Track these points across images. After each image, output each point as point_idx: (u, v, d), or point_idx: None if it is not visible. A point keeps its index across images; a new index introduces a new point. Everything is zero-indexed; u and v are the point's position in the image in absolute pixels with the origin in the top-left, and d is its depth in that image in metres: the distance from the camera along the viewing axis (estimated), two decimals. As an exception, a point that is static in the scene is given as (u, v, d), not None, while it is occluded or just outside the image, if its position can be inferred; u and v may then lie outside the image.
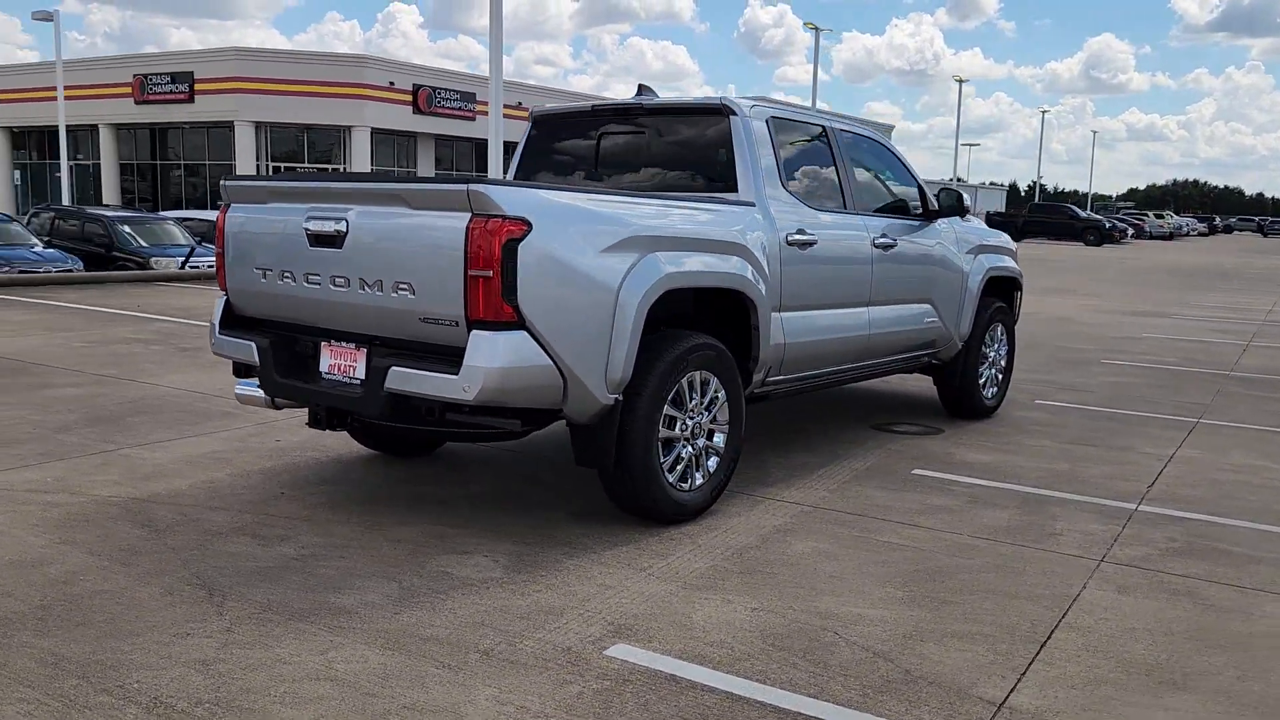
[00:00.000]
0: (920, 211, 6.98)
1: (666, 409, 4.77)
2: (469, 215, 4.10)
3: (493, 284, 4.08)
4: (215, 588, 3.99)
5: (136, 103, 43.13)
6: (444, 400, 4.22)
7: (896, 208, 6.87)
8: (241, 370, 5.14)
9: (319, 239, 4.57)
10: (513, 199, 4.14)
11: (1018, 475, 6.09)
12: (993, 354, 7.78)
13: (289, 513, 4.95)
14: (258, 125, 41.50)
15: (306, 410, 4.93)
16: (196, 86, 41.50)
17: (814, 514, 5.21)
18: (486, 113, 45.51)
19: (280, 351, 4.88)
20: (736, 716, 3.12)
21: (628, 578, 4.24)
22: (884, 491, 5.66)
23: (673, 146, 5.85)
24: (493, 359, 4.10)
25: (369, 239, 4.42)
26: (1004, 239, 8.00)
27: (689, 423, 4.92)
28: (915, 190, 7.01)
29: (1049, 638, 3.79)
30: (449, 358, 4.18)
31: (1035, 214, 52.72)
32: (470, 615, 3.80)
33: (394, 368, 4.31)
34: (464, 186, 4.11)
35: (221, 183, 5.17)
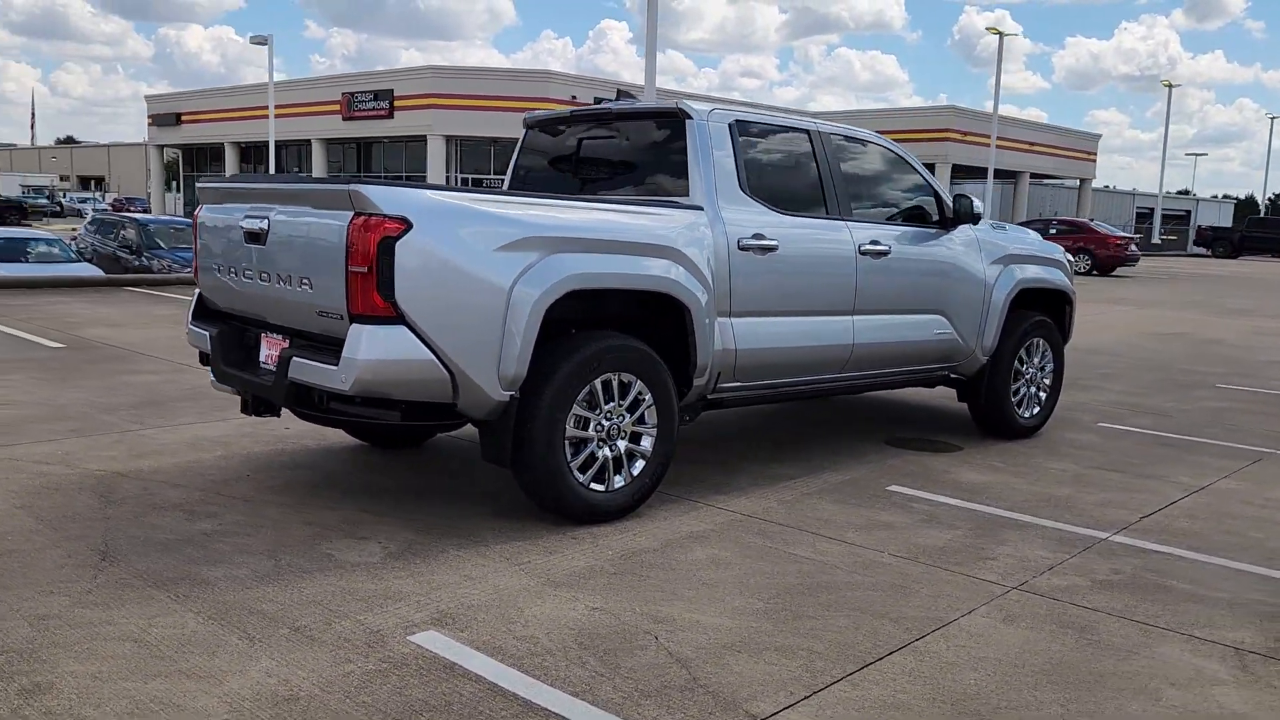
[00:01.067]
0: (937, 219, 6.69)
1: (577, 409, 4.80)
2: (350, 214, 4.30)
3: (369, 280, 4.25)
4: (113, 554, 4.33)
5: (344, 119, 46.18)
6: (328, 390, 4.43)
7: (905, 215, 6.62)
8: (204, 359, 5.52)
9: (250, 236, 4.88)
10: (390, 198, 4.30)
11: (1001, 498, 5.75)
12: (1030, 371, 7.34)
13: (236, 493, 5.28)
14: (449, 139, 43.66)
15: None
16: (396, 103, 44.07)
17: (741, 523, 5.11)
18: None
19: (230, 342, 5.23)
20: (480, 707, 3.16)
21: (496, 570, 4.31)
22: (838, 506, 5.47)
23: (639, 151, 5.87)
24: (368, 352, 4.28)
25: (282, 236, 4.70)
26: (1049, 250, 7.55)
27: (605, 424, 4.93)
28: (931, 198, 6.72)
29: (879, 660, 3.61)
30: (337, 350, 4.38)
31: (1253, 229, 48.66)
32: (313, 595, 3.98)
33: (294, 358, 4.56)
34: (346, 187, 4.31)
35: (196, 185, 5.59)
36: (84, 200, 64.38)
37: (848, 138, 6.39)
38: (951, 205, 6.69)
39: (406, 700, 3.19)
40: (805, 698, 3.31)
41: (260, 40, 37.25)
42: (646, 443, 5.13)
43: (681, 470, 6.02)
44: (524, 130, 6.52)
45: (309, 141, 48.28)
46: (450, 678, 3.34)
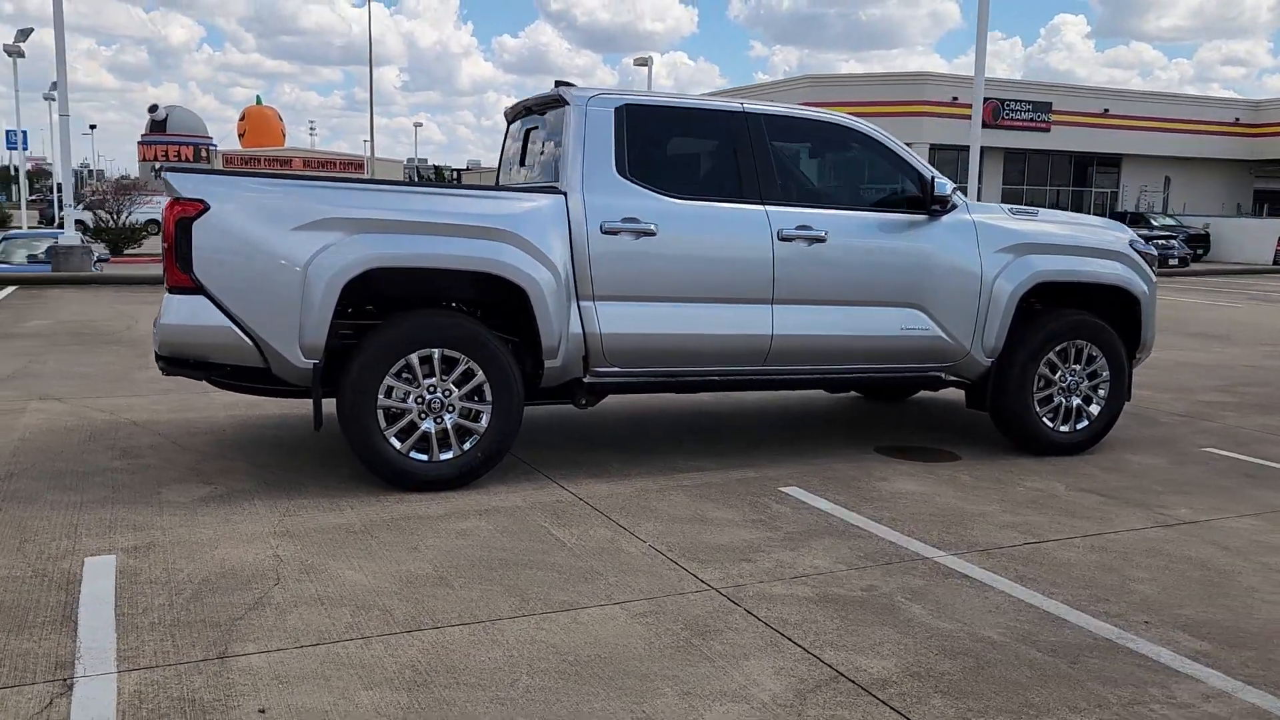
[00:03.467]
0: (922, 205, 6.07)
1: (390, 380, 5.11)
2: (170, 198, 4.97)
3: (171, 255, 4.89)
4: (64, 481, 5.30)
5: (728, 132, 47.90)
6: (157, 352, 5.13)
7: (869, 200, 6.11)
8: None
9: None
10: (189, 184, 4.92)
11: (900, 510, 5.19)
12: (1068, 378, 6.38)
13: (199, 446, 6.12)
14: (823, 148, 43.80)
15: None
16: (778, 114, 44.97)
17: (555, 505, 5.12)
18: (1064, 122, 42.92)
19: None
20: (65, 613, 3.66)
21: (250, 519, 4.74)
22: (697, 500, 5.27)
23: (551, 139, 6.00)
24: (169, 318, 4.93)
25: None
26: (1098, 240, 6.50)
27: (427, 397, 5.19)
28: (912, 183, 6.11)
29: (441, 627, 3.61)
30: None
31: None
32: (74, 520, 4.67)
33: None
34: (164, 174, 4.99)
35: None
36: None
37: (798, 119, 6.05)
38: (936, 189, 6.06)
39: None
40: (314, 645, 3.44)
41: (642, 61, 39.90)
42: (485, 420, 5.30)
43: (587, 452, 6.09)
44: (505, 123, 6.86)
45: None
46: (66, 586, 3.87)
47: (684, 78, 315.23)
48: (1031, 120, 42.76)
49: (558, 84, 6.32)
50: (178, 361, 5.12)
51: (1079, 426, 6.49)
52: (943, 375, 6.33)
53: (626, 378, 5.68)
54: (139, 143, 70.74)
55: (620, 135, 5.57)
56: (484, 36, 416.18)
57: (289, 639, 3.49)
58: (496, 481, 5.44)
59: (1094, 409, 6.50)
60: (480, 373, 5.25)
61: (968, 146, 23.90)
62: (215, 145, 72.73)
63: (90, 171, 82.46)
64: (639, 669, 3.36)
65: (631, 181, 5.55)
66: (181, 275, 4.90)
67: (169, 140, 68.03)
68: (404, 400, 5.16)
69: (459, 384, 5.25)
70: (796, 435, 6.87)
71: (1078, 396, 6.46)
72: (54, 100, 51.73)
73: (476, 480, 5.35)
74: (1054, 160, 43.93)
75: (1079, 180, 45.07)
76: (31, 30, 39.20)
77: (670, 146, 5.83)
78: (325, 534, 4.58)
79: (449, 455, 5.27)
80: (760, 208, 5.76)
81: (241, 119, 78.17)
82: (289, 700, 3.07)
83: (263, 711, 2.99)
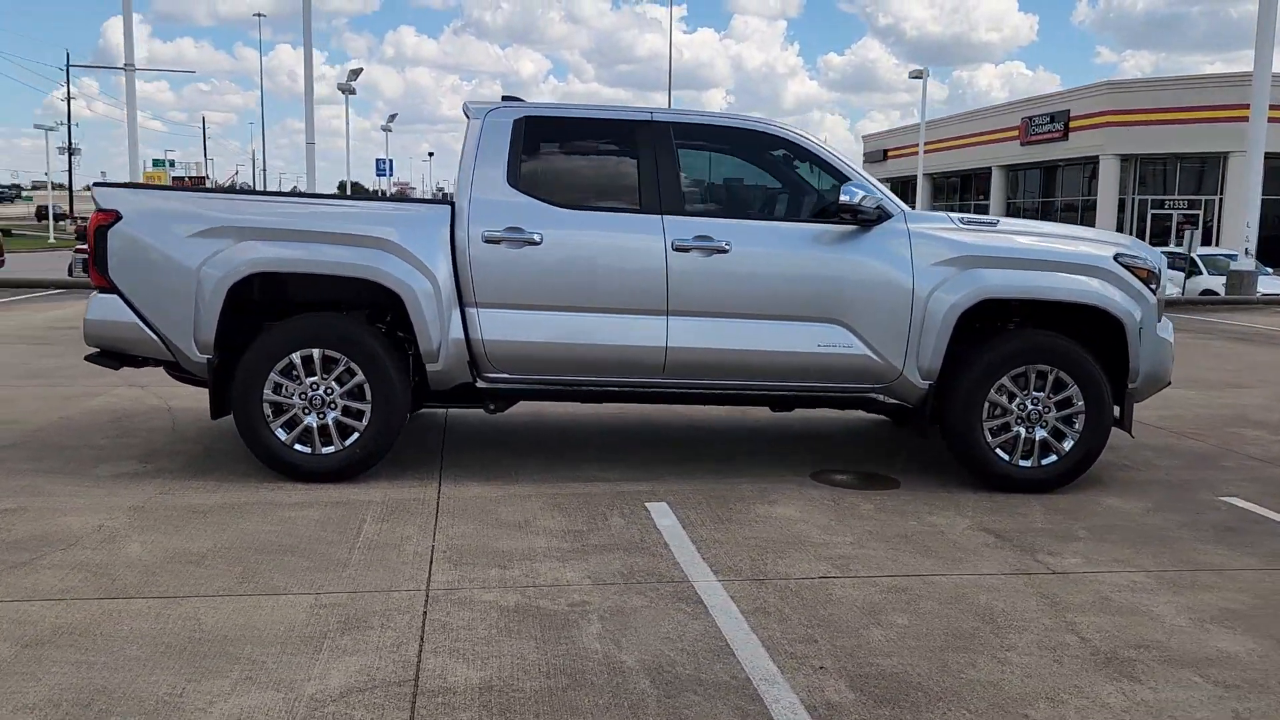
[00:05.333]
0: (850, 215, 5.69)
1: (275, 377, 5.54)
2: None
3: (92, 259, 5.59)
4: (45, 452, 6.24)
5: (1021, 144, 45.30)
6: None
7: (796, 209, 5.82)
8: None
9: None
10: (106, 196, 5.59)
11: (732, 539, 4.95)
12: (1027, 406, 5.72)
13: (190, 432, 6.89)
14: (1124, 158, 40.35)
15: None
16: (1071, 124, 42.02)
17: (390, 503, 5.32)
18: None
19: None
20: None
21: (112, 493, 5.32)
22: (512, 508, 5.29)
23: None
24: (89, 314, 5.63)
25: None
26: (1073, 256, 5.75)
27: (311, 394, 5.56)
28: (845, 194, 5.73)
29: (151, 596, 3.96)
30: None
31: None
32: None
33: None
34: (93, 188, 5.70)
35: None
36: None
37: (710, 126, 5.89)
38: (879, 200, 5.68)
39: None
40: (10, 600, 3.90)
41: (917, 74, 38.61)
42: (366, 417, 5.60)
43: (521, 457, 6.26)
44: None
45: (989, 169, 48.25)
46: (-99, 537, 4.59)
47: (1019, 88, 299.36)
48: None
49: (504, 98, 6.53)
50: (104, 353, 5.82)
51: (1045, 462, 5.80)
52: (879, 397, 5.89)
53: (520, 384, 5.78)
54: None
55: (516, 147, 5.69)
56: (809, 56, 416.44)
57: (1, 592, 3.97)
58: (389, 476, 5.73)
59: (1066, 444, 5.79)
60: (360, 373, 5.56)
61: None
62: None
63: (444, 193, 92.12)
64: (242, 653, 3.52)
65: (521, 192, 5.65)
66: (99, 277, 5.59)
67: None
68: (289, 396, 5.57)
69: (340, 382, 5.59)
70: (748, 452, 6.62)
71: (1042, 428, 5.78)
72: (389, 131, 57.54)
73: (365, 473, 5.66)
74: None
75: None
76: (361, 70, 43.90)
77: (569, 157, 5.88)
78: (171, 512, 5.06)
79: (330, 449, 5.62)
80: (656, 217, 5.66)
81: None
82: (-79, 641, 3.52)
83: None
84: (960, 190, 53.40)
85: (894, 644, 3.72)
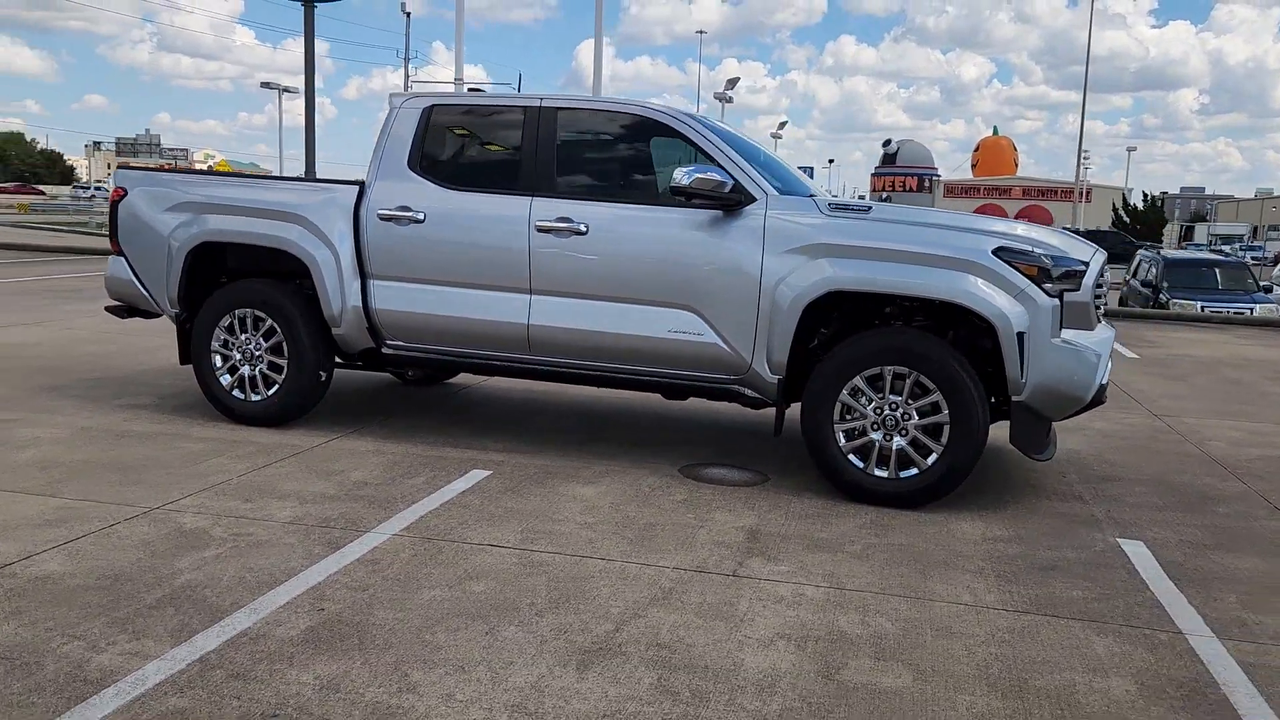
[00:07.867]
0: (698, 202, 5.47)
1: (220, 332, 6.47)
2: (125, 187, 6.94)
3: (110, 227, 6.86)
4: (74, 420, 7.77)
5: None
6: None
7: (665, 193, 5.75)
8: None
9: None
10: (119, 177, 6.82)
11: (477, 512, 5.13)
12: (881, 411, 5.23)
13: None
14: None
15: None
16: None
17: (287, 447, 6.01)
18: None
19: None
20: None
21: (77, 411, 6.49)
22: (365, 461, 5.75)
23: None
24: (109, 272, 6.90)
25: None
26: (944, 241, 5.12)
27: (245, 347, 6.44)
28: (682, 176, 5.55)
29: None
30: None
31: None
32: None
33: None
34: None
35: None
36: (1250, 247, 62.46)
37: (593, 111, 6.00)
38: (756, 184, 5.52)
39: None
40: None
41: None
42: (284, 371, 6.39)
43: (447, 421, 6.74)
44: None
45: None
46: (-95, 429, 6.06)
47: None
48: None
49: (469, 89, 7.04)
50: (120, 306, 7.08)
51: (904, 474, 5.27)
52: (740, 389, 5.66)
53: (415, 353, 6.27)
54: (871, 174, 76.68)
55: (421, 132, 6.18)
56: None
57: (-115, 471, 5.20)
58: (324, 428, 6.46)
59: (930, 459, 5.22)
60: (280, 332, 6.35)
61: None
62: (938, 175, 75.67)
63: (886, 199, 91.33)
64: None
65: (417, 174, 6.13)
66: (113, 243, 6.86)
67: (897, 172, 72.55)
68: (230, 350, 6.49)
69: (266, 339, 6.41)
70: (633, 437, 6.55)
71: (901, 436, 5.25)
72: (778, 138, 58.73)
73: (295, 422, 6.46)
74: None
75: None
76: (738, 79, 45.39)
77: (467, 142, 6.21)
78: (103, 433, 6.16)
79: (258, 398, 6.46)
80: (526, 199, 5.88)
81: (976, 150, 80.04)
82: None
83: None
84: None
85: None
